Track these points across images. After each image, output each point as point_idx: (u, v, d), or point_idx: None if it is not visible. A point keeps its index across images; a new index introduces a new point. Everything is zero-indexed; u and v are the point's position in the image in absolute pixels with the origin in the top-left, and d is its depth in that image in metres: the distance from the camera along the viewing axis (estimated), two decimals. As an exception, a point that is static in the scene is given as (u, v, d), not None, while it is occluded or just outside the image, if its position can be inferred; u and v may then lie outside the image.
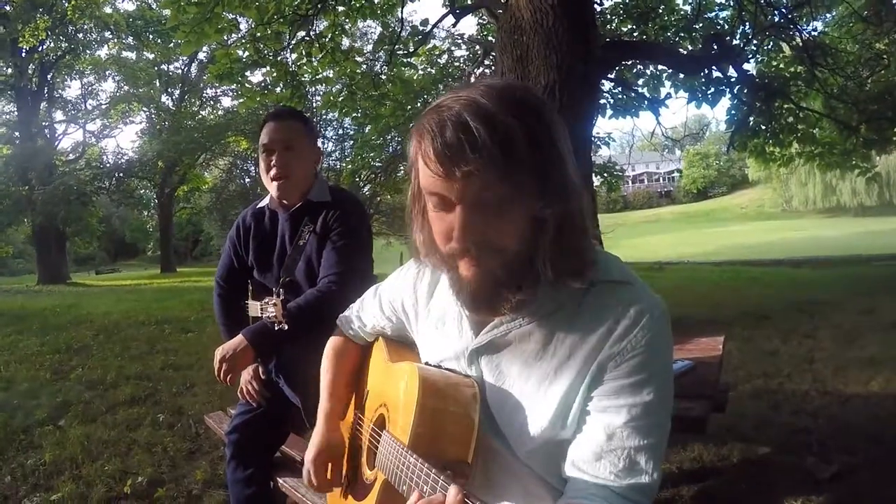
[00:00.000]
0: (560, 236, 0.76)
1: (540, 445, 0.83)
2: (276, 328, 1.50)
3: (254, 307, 1.73)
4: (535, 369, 0.83)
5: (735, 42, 7.66)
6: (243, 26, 7.53)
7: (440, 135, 0.72)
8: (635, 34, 8.49)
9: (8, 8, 16.91)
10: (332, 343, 1.23)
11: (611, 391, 0.79)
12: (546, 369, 0.82)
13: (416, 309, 1.04)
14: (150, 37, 21.31)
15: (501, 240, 0.76)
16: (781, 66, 8.46)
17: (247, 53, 7.13)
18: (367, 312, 1.18)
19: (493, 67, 7.93)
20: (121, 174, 23.03)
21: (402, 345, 1.13)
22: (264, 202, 1.85)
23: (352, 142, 19.58)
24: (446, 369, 0.93)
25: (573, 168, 0.78)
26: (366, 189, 18.92)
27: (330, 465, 1.11)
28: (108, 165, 23.02)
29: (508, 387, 0.86)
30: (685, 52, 7.92)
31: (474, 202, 0.74)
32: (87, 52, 21.28)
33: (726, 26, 8.22)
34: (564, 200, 0.76)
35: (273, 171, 1.71)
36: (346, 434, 1.17)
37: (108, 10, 19.33)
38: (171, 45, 19.09)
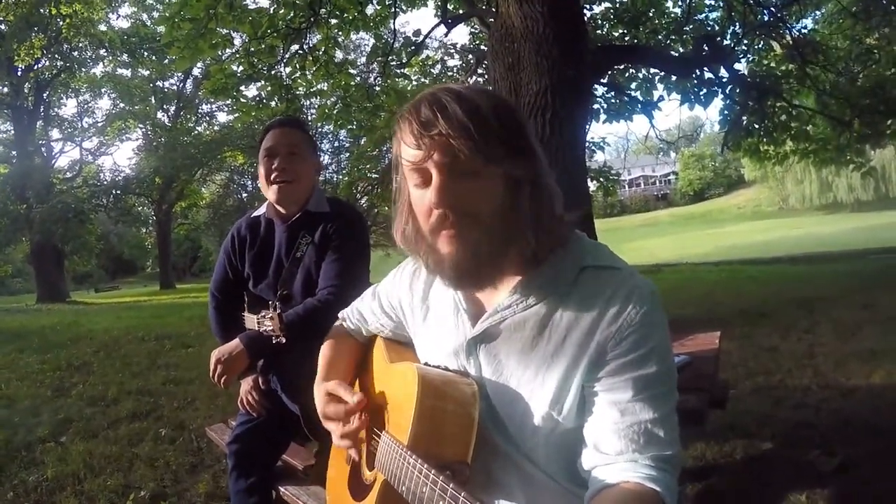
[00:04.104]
0: (533, 202, 0.81)
1: (542, 437, 0.84)
2: (274, 341, 1.49)
3: (250, 320, 1.71)
4: (532, 356, 0.84)
5: (725, 42, 7.71)
6: (237, 41, 7.59)
7: (416, 113, 0.80)
8: (626, 38, 8.55)
9: (3, 27, 16.99)
10: (332, 332, 1.24)
11: (615, 370, 0.80)
12: (542, 355, 0.84)
13: (412, 307, 1.05)
14: (145, 53, 21.46)
15: (477, 205, 0.80)
16: (772, 64, 8.52)
17: (241, 68, 7.17)
18: (367, 310, 1.19)
19: (486, 76, 7.98)
20: (118, 191, 23.06)
21: (401, 345, 1.13)
22: (260, 211, 1.82)
23: (347, 154, 19.68)
24: (445, 368, 0.94)
25: (539, 147, 0.85)
26: (363, 201, 18.94)
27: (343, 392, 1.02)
28: (105, 183, 23.08)
29: (507, 376, 0.87)
30: (676, 55, 7.98)
31: (448, 166, 0.79)
32: (83, 69, 21.39)
33: (716, 27, 8.28)
34: (533, 166, 0.82)
35: (275, 175, 1.68)
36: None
37: (102, 27, 19.46)
38: (166, 61, 19.14)
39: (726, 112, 8.31)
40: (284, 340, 1.49)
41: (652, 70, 8.31)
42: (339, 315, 1.27)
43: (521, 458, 0.87)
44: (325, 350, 1.19)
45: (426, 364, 0.99)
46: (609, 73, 7.83)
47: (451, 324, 0.95)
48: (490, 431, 0.88)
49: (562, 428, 0.83)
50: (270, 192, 1.71)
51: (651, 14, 8.44)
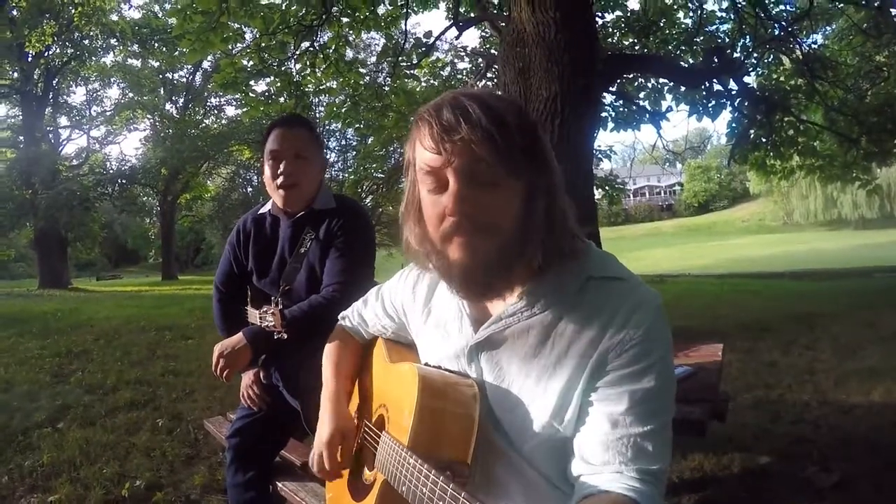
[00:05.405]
0: (547, 217, 0.80)
1: (541, 442, 0.84)
2: (276, 337, 1.49)
3: (252, 315, 1.72)
4: (535, 365, 0.84)
5: (736, 55, 7.71)
6: (248, 36, 7.61)
7: (437, 116, 0.78)
8: (637, 47, 8.55)
9: (15, 13, 17.04)
10: (334, 335, 1.25)
11: (612, 381, 0.80)
12: (545, 364, 0.83)
13: (415, 310, 1.05)
14: (156, 45, 21.43)
15: (493, 216, 0.78)
16: (782, 78, 8.53)
17: (251, 63, 7.19)
18: (369, 312, 1.19)
19: (495, 80, 7.98)
20: (124, 181, 23.04)
21: (402, 346, 1.13)
22: (266, 208, 1.82)
23: (354, 152, 19.70)
24: (446, 370, 0.94)
25: (555, 161, 0.84)
26: (368, 200, 18.97)
27: (341, 448, 1.06)
28: (111, 172, 23.04)
29: (508, 383, 0.86)
30: (686, 66, 7.97)
31: (468, 173, 0.77)
32: (93, 58, 21.35)
33: (727, 40, 8.28)
34: (549, 180, 0.81)
35: (280, 180, 1.67)
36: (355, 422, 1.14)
37: (114, 17, 19.44)
38: (176, 53, 19.19)
39: (734, 125, 8.33)
40: (286, 336, 1.48)
41: (661, 80, 8.31)
42: (341, 315, 1.27)
43: (521, 462, 0.87)
44: (328, 354, 1.20)
45: (427, 365, 0.99)
46: (618, 81, 7.83)
47: (454, 328, 0.94)
48: (491, 434, 0.88)
49: (562, 436, 0.83)
50: (276, 195, 1.71)
51: (662, 24, 8.44)
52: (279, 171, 1.67)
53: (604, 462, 0.78)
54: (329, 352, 1.20)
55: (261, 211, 1.85)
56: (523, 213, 0.79)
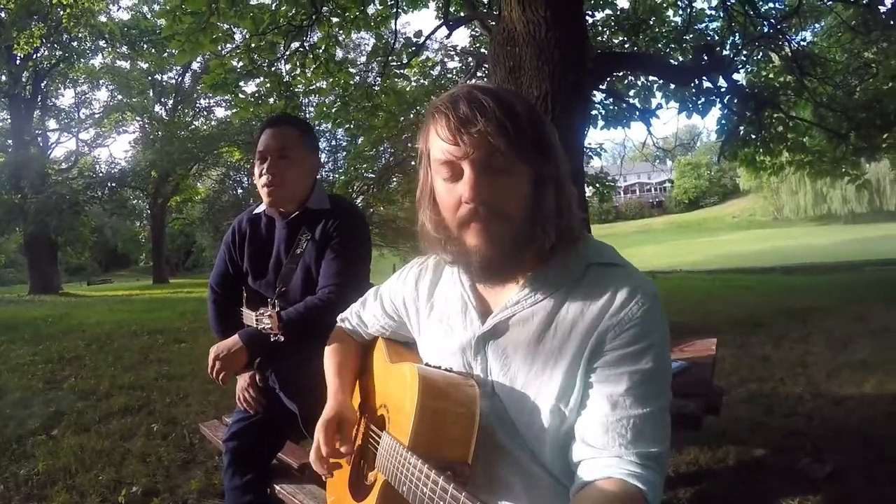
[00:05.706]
0: (556, 201, 0.84)
1: (549, 434, 0.85)
2: (272, 339, 1.49)
3: (248, 316, 1.71)
4: (539, 352, 0.86)
5: (725, 52, 7.75)
6: (238, 37, 7.57)
7: (453, 109, 0.82)
8: (626, 46, 8.58)
9: (3, 15, 16.87)
10: (333, 336, 1.25)
11: (611, 361, 0.81)
12: (549, 350, 0.85)
13: (417, 306, 1.06)
14: (145, 46, 21.30)
15: (508, 205, 0.82)
16: (771, 75, 8.57)
17: (241, 64, 7.15)
18: (367, 313, 1.19)
19: (485, 79, 7.99)
20: (113, 184, 22.89)
21: (401, 345, 1.14)
22: (261, 208, 1.81)
23: (345, 153, 19.63)
24: (447, 369, 0.94)
25: (561, 150, 0.88)
26: (359, 200, 18.90)
27: (338, 436, 1.06)
28: (100, 175, 22.87)
29: (515, 371, 0.88)
30: (676, 63, 8.00)
31: (484, 162, 0.81)
32: (82, 60, 21.21)
33: (716, 37, 8.32)
34: (556, 167, 0.85)
35: (264, 179, 1.67)
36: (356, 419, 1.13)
37: (102, 18, 19.28)
38: (166, 54, 19.09)
39: (724, 122, 8.36)
40: (283, 339, 1.48)
41: (651, 78, 8.34)
42: (339, 317, 1.27)
43: (526, 459, 0.87)
44: (329, 355, 1.20)
45: (427, 364, 0.99)
46: (608, 79, 7.86)
47: (458, 322, 0.96)
48: (495, 431, 0.88)
49: (568, 423, 0.84)
50: (263, 195, 1.71)
51: (651, 22, 8.48)
52: (263, 171, 1.67)
53: (603, 445, 0.79)
54: (330, 353, 1.21)
55: (256, 211, 1.84)
56: (533, 201, 0.83)
